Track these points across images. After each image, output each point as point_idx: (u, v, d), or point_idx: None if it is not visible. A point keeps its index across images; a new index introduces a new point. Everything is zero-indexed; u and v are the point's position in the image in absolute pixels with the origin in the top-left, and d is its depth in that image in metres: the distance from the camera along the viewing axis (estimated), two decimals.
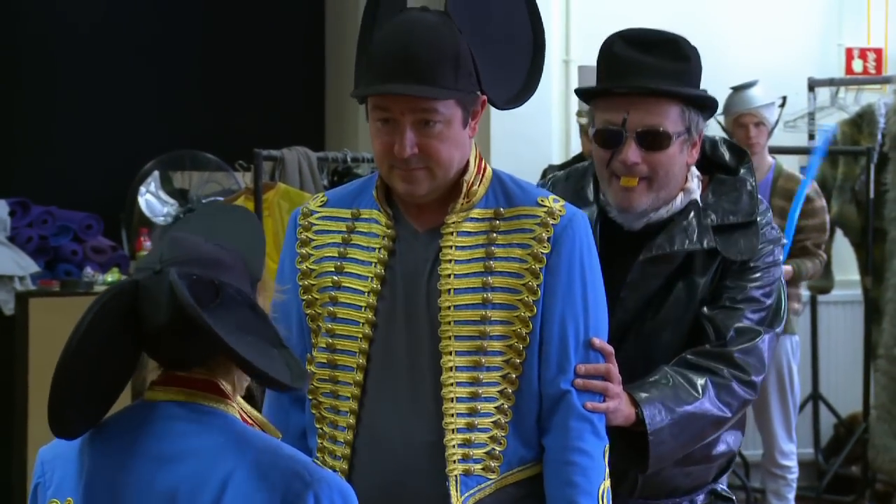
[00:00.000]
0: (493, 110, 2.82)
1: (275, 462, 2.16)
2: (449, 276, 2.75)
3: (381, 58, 2.68)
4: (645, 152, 3.03)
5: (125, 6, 8.49)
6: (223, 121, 8.38)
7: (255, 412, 2.31)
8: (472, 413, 2.73)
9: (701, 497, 3.23)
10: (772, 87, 6.76)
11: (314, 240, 2.88)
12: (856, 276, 7.68)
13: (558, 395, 2.76)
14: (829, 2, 8.25)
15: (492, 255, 2.76)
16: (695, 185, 3.12)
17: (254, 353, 2.14)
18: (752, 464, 7.27)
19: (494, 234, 2.77)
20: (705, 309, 3.06)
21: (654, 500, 3.16)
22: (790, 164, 7.16)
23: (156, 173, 7.54)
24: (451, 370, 2.73)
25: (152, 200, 7.44)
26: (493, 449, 2.74)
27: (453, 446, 2.72)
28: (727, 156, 3.21)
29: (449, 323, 2.73)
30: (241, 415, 2.25)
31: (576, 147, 7.34)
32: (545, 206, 2.78)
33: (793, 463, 6.59)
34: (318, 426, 2.85)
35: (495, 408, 2.74)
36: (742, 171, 3.18)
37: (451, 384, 2.73)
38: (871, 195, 7.28)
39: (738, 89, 6.63)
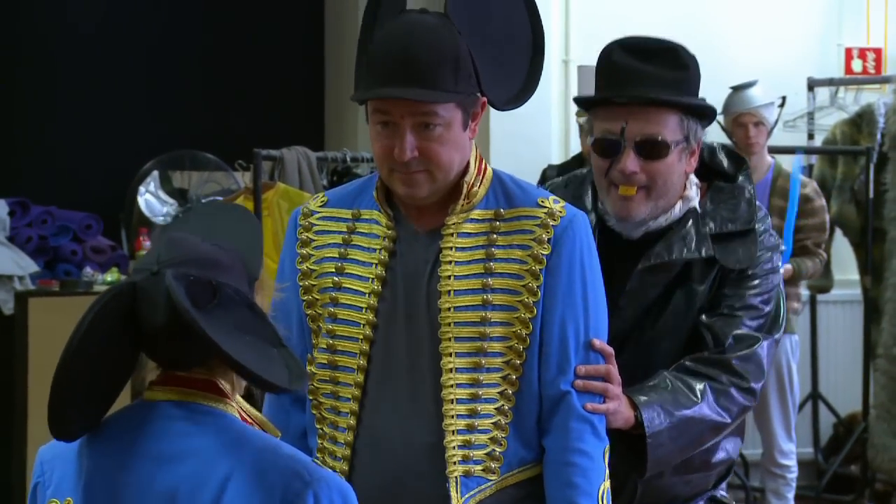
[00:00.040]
0: (492, 110, 2.81)
1: (274, 461, 2.16)
2: (449, 277, 2.75)
3: (381, 60, 2.68)
4: (643, 161, 3.03)
5: (125, 6, 8.49)
6: (222, 121, 8.38)
7: (254, 411, 2.30)
8: (473, 414, 2.73)
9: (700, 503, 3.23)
10: (771, 87, 6.76)
11: (314, 240, 2.88)
12: (855, 275, 7.68)
13: (558, 396, 2.76)
14: (829, 2, 8.25)
15: (492, 257, 2.75)
16: (693, 193, 3.12)
17: (250, 354, 2.14)
18: (752, 463, 7.28)
19: (494, 236, 2.77)
20: (704, 317, 3.06)
21: None
22: (789, 163, 7.15)
23: (155, 173, 7.54)
24: (451, 371, 2.73)
25: (152, 200, 7.44)
26: (494, 450, 2.74)
27: (453, 447, 2.72)
28: (725, 163, 3.21)
29: (449, 324, 2.73)
30: (240, 414, 2.25)
31: (575, 147, 7.34)
32: (545, 207, 2.78)
33: (792, 462, 6.60)
34: (318, 426, 2.85)
35: (495, 409, 2.74)
36: (740, 178, 3.18)
37: (451, 385, 2.73)
38: (871, 195, 7.28)
39: (737, 89, 6.63)
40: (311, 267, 2.86)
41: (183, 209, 6.92)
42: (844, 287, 7.87)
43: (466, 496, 2.72)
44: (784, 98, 6.84)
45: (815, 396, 7.81)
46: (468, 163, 2.78)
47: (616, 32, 8.31)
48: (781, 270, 3.19)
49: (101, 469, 2.21)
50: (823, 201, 6.60)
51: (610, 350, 2.82)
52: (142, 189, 7.44)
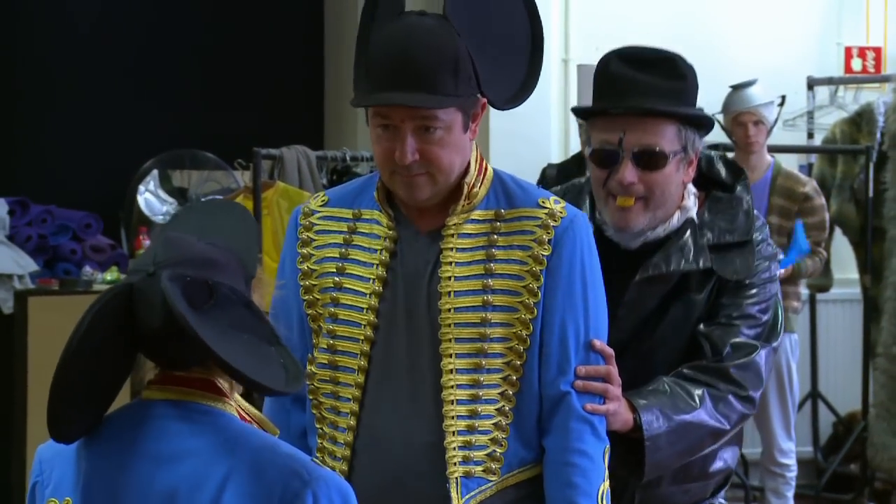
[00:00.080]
0: (492, 110, 2.81)
1: (273, 460, 2.16)
2: (449, 278, 2.75)
3: (381, 64, 2.68)
4: (641, 172, 3.03)
5: (124, 5, 8.49)
6: (222, 119, 8.37)
7: (253, 409, 2.30)
8: (473, 415, 2.73)
9: None
10: (771, 86, 6.76)
11: (315, 240, 2.87)
12: (855, 274, 7.69)
13: (558, 396, 2.76)
14: (829, 1, 8.25)
15: (492, 258, 2.75)
16: (691, 203, 3.12)
17: (245, 356, 2.14)
18: (751, 462, 7.28)
19: (495, 236, 2.77)
20: (702, 326, 3.06)
21: None
22: (789, 162, 7.16)
23: (155, 172, 7.54)
24: (452, 372, 2.72)
25: (151, 199, 7.44)
26: (494, 451, 2.74)
27: (454, 448, 2.72)
28: (723, 172, 3.21)
29: (449, 325, 2.73)
30: (239, 413, 2.25)
31: (575, 146, 7.34)
32: (546, 207, 2.78)
33: (792, 461, 6.60)
34: (318, 426, 2.85)
35: (496, 409, 2.74)
36: (738, 188, 3.18)
37: (452, 386, 2.73)
38: (871, 194, 7.28)
39: (737, 88, 6.63)
40: (312, 267, 2.85)
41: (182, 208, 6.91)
42: (844, 286, 7.87)
43: (467, 497, 2.72)
44: (784, 97, 6.84)
45: (814, 395, 7.81)
46: (469, 163, 2.78)
47: (616, 31, 8.34)
48: (780, 271, 3.19)
49: (100, 469, 2.21)
50: (823, 200, 6.60)
51: (610, 351, 2.82)
52: (141, 188, 7.44)
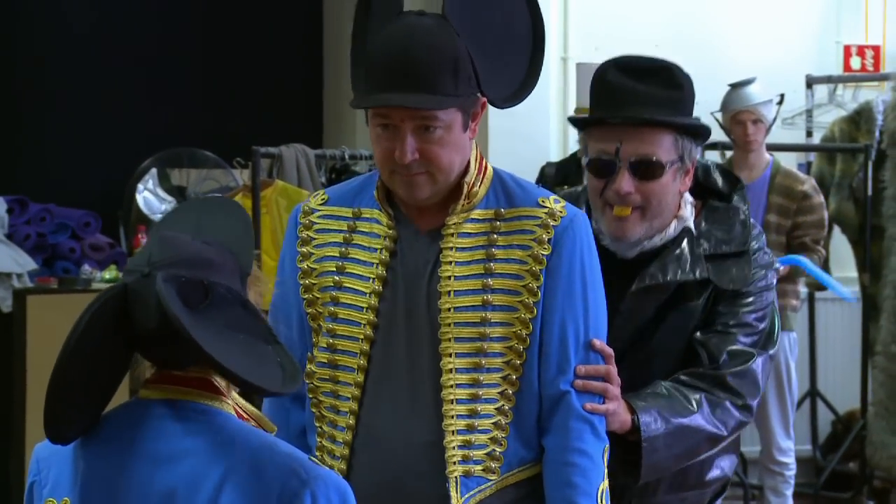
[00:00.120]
0: (491, 108, 2.81)
1: (271, 460, 2.15)
2: (449, 277, 2.74)
3: (380, 65, 2.67)
4: (638, 182, 3.03)
5: (123, 4, 8.48)
6: (221, 118, 8.38)
7: (250, 407, 2.30)
8: (472, 414, 2.73)
9: None
10: (770, 85, 6.76)
11: (315, 238, 2.87)
12: (853, 273, 7.68)
13: (558, 395, 2.76)
14: None
15: (492, 257, 2.75)
16: (688, 213, 3.12)
17: (241, 357, 2.13)
18: (750, 460, 7.28)
19: (495, 236, 2.77)
20: (698, 334, 3.06)
21: None
22: (788, 161, 7.16)
23: (153, 171, 7.54)
24: (451, 371, 2.72)
25: (150, 198, 7.44)
26: (494, 450, 2.74)
27: (453, 447, 2.72)
28: (720, 182, 3.21)
29: (449, 324, 2.73)
30: (236, 410, 2.24)
31: (573, 145, 7.34)
32: (546, 206, 2.78)
33: (791, 460, 6.60)
34: (317, 425, 2.85)
35: (495, 409, 2.74)
36: (735, 198, 3.18)
37: (451, 385, 2.73)
38: (869, 192, 7.28)
39: (736, 86, 6.63)
40: (312, 265, 2.85)
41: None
42: (843, 284, 7.86)
43: (466, 496, 2.72)
44: (782, 95, 6.84)
45: (813, 394, 7.81)
46: (469, 163, 2.78)
47: (615, 30, 8.34)
48: (781, 267, 3.19)
49: (99, 470, 2.20)
50: (822, 198, 6.60)
51: (610, 351, 2.82)
52: (140, 187, 7.45)
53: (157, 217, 7.06)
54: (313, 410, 2.85)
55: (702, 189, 3.20)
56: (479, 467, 2.73)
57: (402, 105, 2.65)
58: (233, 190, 6.71)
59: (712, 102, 6.64)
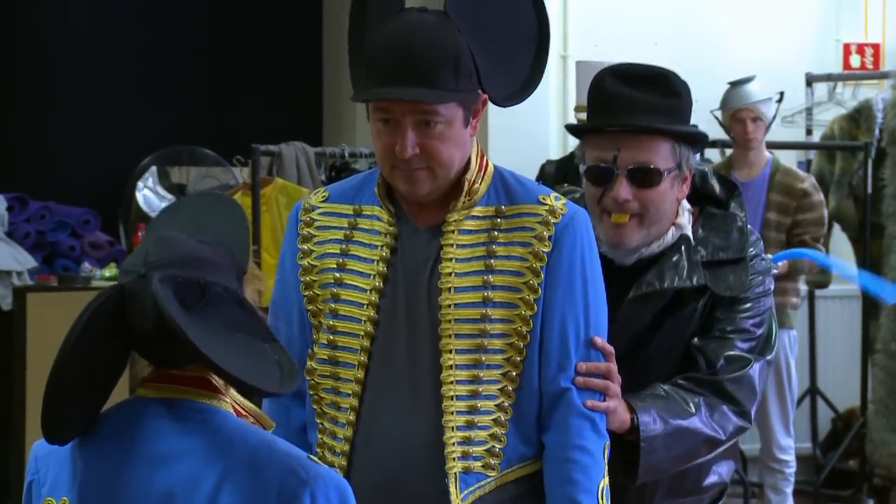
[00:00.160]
0: (491, 106, 2.81)
1: (270, 459, 2.15)
2: (450, 274, 2.75)
3: (381, 60, 2.68)
4: (636, 189, 3.03)
5: (123, 3, 8.48)
6: (221, 116, 8.38)
7: (249, 404, 2.29)
8: (472, 411, 2.73)
9: None
10: (769, 83, 6.76)
11: (316, 235, 2.87)
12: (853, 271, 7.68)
13: (559, 392, 2.76)
14: None
15: (493, 254, 2.75)
16: (685, 220, 3.12)
17: (238, 357, 2.13)
18: (750, 458, 7.28)
19: (496, 233, 2.77)
20: (696, 340, 3.06)
21: None
22: (788, 159, 7.16)
23: (153, 168, 7.55)
24: (452, 368, 2.73)
25: (150, 196, 7.45)
26: (493, 446, 2.74)
27: (453, 444, 2.72)
28: (717, 188, 3.21)
29: (449, 321, 2.73)
30: (234, 408, 2.24)
31: (573, 143, 7.34)
32: (547, 204, 2.78)
33: (790, 457, 6.60)
34: (318, 422, 2.85)
35: (495, 405, 2.74)
36: (732, 204, 3.18)
37: (451, 382, 2.73)
38: (869, 190, 7.28)
39: (735, 84, 6.63)
40: (313, 262, 2.85)
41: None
42: (843, 282, 7.87)
43: (466, 492, 2.72)
44: (782, 93, 6.84)
45: (813, 392, 7.81)
46: (469, 159, 2.78)
47: (614, 28, 8.33)
48: (779, 264, 3.19)
49: (97, 470, 2.20)
50: (822, 196, 6.60)
51: (610, 349, 2.82)
52: (140, 184, 7.45)
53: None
54: (314, 407, 2.85)
55: (699, 196, 3.20)
56: (478, 464, 2.73)
57: (403, 98, 2.65)
58: (233, 188, 6.71)
59: (712, 100, 6.64)
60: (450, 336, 2.73)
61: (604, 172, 3.04)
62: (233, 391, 2.26)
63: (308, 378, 2.83)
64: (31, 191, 7.31)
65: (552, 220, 2.76)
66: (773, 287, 3.17)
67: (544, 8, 2.84)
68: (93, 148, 8.19)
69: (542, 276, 2.74)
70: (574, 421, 2.75)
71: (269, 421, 2.30)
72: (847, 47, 8.18)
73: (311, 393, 2.85)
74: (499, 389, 2.74)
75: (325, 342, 2.82)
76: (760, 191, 6.47)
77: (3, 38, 8.19)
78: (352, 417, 2.79)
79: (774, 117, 6.71)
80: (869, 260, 7.36)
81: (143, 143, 7.72)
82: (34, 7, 8.24)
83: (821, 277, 7.50)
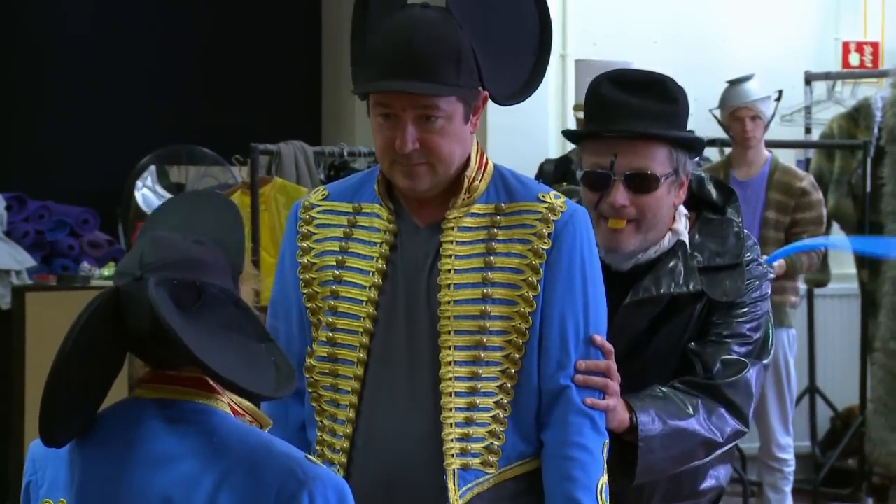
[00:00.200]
0: (489, 105, 2.81)
1: (268, 460, 2.15)
2: (449, 271, 2.75)
3: (383, 54, 2.68)
4: (633, 195, 3.03)
5: (122, 2, 8.48)
6: (220, 115, 8.37)
7: (246, 402, 2.28)
8: (471, 407, 2.73)
9: None
10: (768, 81, 6.76)
11: (315, 233, 2.87)
12: (852, 269, 7.69)
13: (558, 390, 2.76)
14: None
15: (492, 251, 2.76)
16: (682, 226, 3.12)
17: (235, 356, 2.13)
18: (749, 457, 7.28)
19: (495, 230, 2.77)
20: (692, 344, 3.07)
21: None
22: (787, 157, 7.16)
23: (152, 168, 7.54)
24: (450, 364, 2.73)
25: (149, 195, 7.44)
26: (492, 443, 2.74)
27: (451, 440, 2.72)
28: (714, 193, 3.21)
29: (448, 318, 2.73)
30: (231, 407, 2.23)
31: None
32: (546, 201, 2.78)
33: (790, 456, 6.60)
34: (317, 419, 2.85)
35: (494, 402, 2.74)
36: (729, 210, 3.18)
37: (450, 378, 2.73)
38: (868, 189, 7.28)
39: (734, 83, 6.63)
40: (312, 260, 2.85)
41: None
42: (841, 281, 7.87)
43: (464, 489, 2.72)
44: (781, 92, 6.84)
45: (812, 390, 7.81)
46: (469, 157, 2.78)
47: (614, 27, 8.33)
48: (776, 263, 3.19)
49: (96, 472, 2.19)
50: (821, 195, 6.60)
51: (610, 347, 2.82)
52: (139, 184, 7.45)
53: None
54: (313, 405, 2.85)
55: (696, 201, 3.20)
56: (477, 460, 2.73)
57: (403, 91, 2.65)
58: (231, 187, 6.70)
59: (711, 99, 6.64)
60: (449, 333, 2.73)
61: (601, 178, 3.04)
62: None
63: (307, 376, 2.83)
64: (30, 190, 7.31)
65: (552, 218, 2.76)
66: (769, 292, 3.17)
67: (547, 9, 2.84)
68: (92, 147, 8.19)
69: (542, 273, 2.74)
70: (573, 419, 2.75)
71: (266, 419, 2.30)
72: (846, 46, 8.18)
73: (310, 391, 2.85)
74: (498, 387, 2.74)
75: (325, 339, 2.82)
76: (759, 189, 6.47)
77: (1, 37, 8.18)
78: (351, 414, 2.79)
79: (773, 116, 6.71)
80: (868, 258, 7.36)
81: (141, 142, 7.72)
82: (32, 6, 8.24)
83: (820, 276, 7.50)
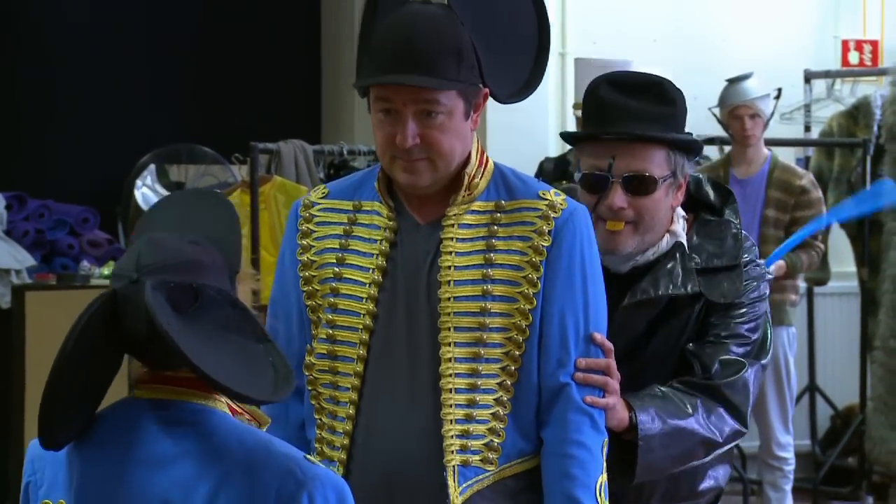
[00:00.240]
0: (489, 104, 2.82)
1: (267, 461, 2.15)
2: (449, 267, 2.75)
3: (384, 49, 2.69)
4: (631, 197, 3.03)
5: (122, 1, 8.48)
6: (219, 114, 8.37)
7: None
8: (471, 404, 2.73)
9: None
10: (768, 79, 6.76)
11: (315, 231, 2.87)
12: (852, 267, 7.69)
13: (558, 387, 2.76)
14: None
15: (492, 248, 2.76)
16: (680, 227, 3.13)
17: (232, 357, 2.12)
18: (749, 455, 7.28)
19: (495, 227, 2.77)
20: (691, 345, 3.07)
21: None
22: (786, 156, 7.16)
23: (152, 167, 7.54)
24: (451, 361, 2.73)
25: (148, 194, 7.44)
26: (492, 441, 2.74)
27: (451, 437, 2.72)
28: (712, 195, 3.21)
29: (449, 314, 2.73)
30: (230, 406, 2.23)
31: None
32: (546, 199, 2.79)
33: (790, 454, 6.61)
34: (317, 417, 2.85)
35: (494, 399, 2.74)
36: (727, 211, 3.18)
37: (450, 375, 2.73)
38: (867, 187, 7.28)
39: (733, 81, 6.63)
40: (312, 258, 2.86)
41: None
42: (841, 279, 7.88)
43: (464, 486, 2.72)
44: (780, 90, 6.85)
45: (812, 389, 7.82)
46: (469, 154, 2.78)
47: (613, 25, 8.33)
48: (774, 266, 3.19)
49: (94, 473, 2.19)
50: (820, 193, 6.61)
51: (610, 345, 2.82)
52: (139, 183, 7.45)
53: None
54: (312, 403, 2.85)
55: (694, 202, 3.20)
56: (476, 457, 2.73)
57: (404, 83, 2.65)
58: (231, 186, 6.71)
59: (710, 97, 6.64)
60: (449, 329, 2.73)
61: (599, 180, 3.04)
62: None
63: (307, 373, 2.83)
64: (30, 189, 7.30)
65: (552, 215, 2.76)
66: (767, 292, 3.18)
67: (544, 8, 2.85)
68: (91, 146, 8.19)
69: (542, 270, 2.74)
70: (573, 416, 2.75)
71: (264, 418, 2.29)
72: (845, 44, 8.18)
73: (310, 388, 2.85)
74: (497, 384, 2.74)
75: (324, 336, 2.82)
76: (759, 187, 6.47)
77: (1, 36, 8.18)
78: (351, 411, 2.79)
79: (773, 114, 6.71)
80: (868, 256, 7.36)
81: (141, 141, 7.72)
82: (33, 5, 8.24)
83: (820, 274, 7.50)
